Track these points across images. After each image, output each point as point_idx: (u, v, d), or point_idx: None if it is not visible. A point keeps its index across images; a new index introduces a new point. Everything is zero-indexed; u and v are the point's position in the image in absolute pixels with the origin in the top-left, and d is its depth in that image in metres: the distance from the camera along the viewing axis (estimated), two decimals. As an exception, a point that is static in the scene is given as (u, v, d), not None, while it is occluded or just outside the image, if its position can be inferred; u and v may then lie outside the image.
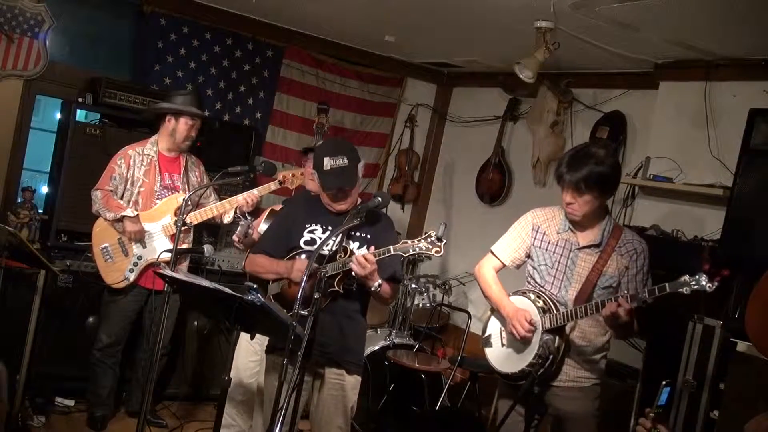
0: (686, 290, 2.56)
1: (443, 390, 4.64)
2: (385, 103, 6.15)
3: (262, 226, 3.85)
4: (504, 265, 3.24)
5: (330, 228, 3.14)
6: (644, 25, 3.58)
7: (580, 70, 4.94)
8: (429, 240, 2.85)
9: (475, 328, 5.31)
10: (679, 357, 3.38)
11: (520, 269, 3.27)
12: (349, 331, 3.16)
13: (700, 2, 3.14)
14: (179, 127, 4.21)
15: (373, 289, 2.99)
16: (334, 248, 3.02)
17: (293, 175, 4.01)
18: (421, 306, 5.14)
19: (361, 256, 2.88)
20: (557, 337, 2.98)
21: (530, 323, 2.99)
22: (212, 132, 4.95)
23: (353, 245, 3.10)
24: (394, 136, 6.25)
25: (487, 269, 3.24)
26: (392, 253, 2.89)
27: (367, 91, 6.02)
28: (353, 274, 2.94)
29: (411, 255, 2.92)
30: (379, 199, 3.07)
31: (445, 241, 2.84)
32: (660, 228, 4.04)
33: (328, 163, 3.02)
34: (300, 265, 3.00)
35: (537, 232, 3.14)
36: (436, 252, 2.83)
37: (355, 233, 3.13)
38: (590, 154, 2.91)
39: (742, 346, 3.11)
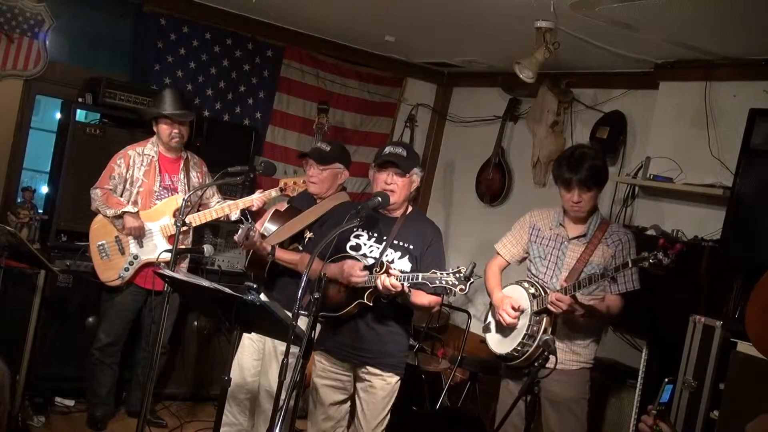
0: (645, 264, 2.86)
1: (443, 390, 4.64)
2: (385, 103, 6.14)
3: (267, 226, 3.85)
4: (507, 262, 3.55)
5: (376, 234, 3.20)
6: (644, 25, 3.57)
7: (580, 70, 4.93)
8: (457, 276, 2.82)
9: (475, 328, 5.31)
10: (679, 357, 3.38)
11: (522, 264, 3.55)
12: (386, 336, 3.19)
13: (700, 2, 3.14)
14: (160, 128, 4.22)
15: (399, 300, 3.04)
16: (375, 257, 3.10)
17: (294, 183, 3.98)
18: (421, 306, 5.13)
19: (388, 281, 2.89)
20: (544, 318, 3.21)
21: (516, 309, 3.25)
22: (212, 132, 4.95)
23: (395, 255, 3.14)
24: (394, 136, 6.24)
25: (490, 266, 3.56)
26: (419, 281, 2.91)
27: (367, 91, 6.02)
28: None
29: (434, 287, 2.93)
30: (379, 199, 3.07)
31: (473, 280, 2.82)
32: (660, 228, 4.03)
33: (388, 149, 3.20)
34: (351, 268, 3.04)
35: (533, 228, 3.47)
36: (460, 290, 2.82)
37: (399, 243, 3.17)
38: (585, 153, 3.26)
39: (742, 346, 3.11)
